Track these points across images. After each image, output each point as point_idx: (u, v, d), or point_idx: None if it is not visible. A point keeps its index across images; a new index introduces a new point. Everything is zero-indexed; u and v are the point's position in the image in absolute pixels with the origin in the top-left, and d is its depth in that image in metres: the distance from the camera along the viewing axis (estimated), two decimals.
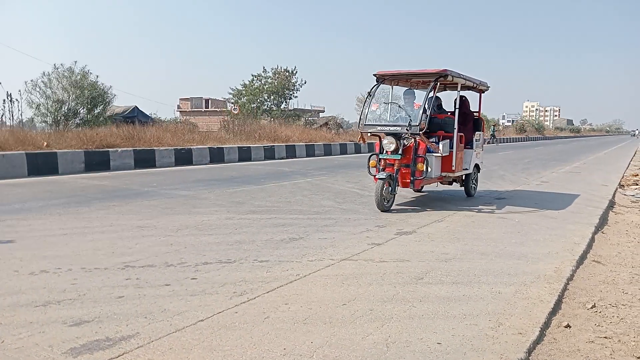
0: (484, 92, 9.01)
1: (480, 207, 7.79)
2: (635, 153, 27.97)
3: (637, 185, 12.09)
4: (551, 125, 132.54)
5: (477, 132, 8.71)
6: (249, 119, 27.08)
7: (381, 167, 7.34)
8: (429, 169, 7.43)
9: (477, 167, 8.94)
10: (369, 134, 7.67)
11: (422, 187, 8.67)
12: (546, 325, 3.26)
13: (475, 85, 8.50)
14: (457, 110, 7.72)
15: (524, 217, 6.99)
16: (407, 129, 7.02)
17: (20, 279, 3.83)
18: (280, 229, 5.82)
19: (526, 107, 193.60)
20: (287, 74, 35.97)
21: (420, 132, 6.97)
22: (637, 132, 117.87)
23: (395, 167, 7.20)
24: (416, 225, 6.26)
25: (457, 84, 7.90)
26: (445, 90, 9.10)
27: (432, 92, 7.72)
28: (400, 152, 7.20)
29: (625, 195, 10.34)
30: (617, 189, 10.95)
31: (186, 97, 57.55)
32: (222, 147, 16.65)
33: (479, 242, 5.43)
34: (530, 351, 2.85)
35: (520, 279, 4.14)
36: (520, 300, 3.64)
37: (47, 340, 2.75)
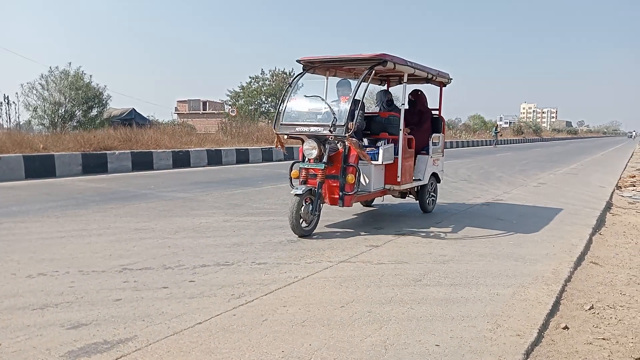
0: (445, 85, 7.54)
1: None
2: (632, 154, 28.05)
3: (634, 186, 12.13)
4: (548, 126, 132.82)
5: (435, 135, 7.29)
6: (246, 121, 27.07)
7: (302, 179, 5.79)
8: (367, 181, 6.14)
9: (435, 176, 7.47)
10: (285, 137, 6.05)
11: (372, 201, 7.73)
12: (544, 326, 3.26)
13: (431, 76, 7.02)
14: (403, 107, 6.28)
15: (521, 220, 7.00)
16: (330, 130, 5.49)
17: (17, 282, 3.82)
18: (278, 231, 5.82)
19: (523, 108, 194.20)
20: (285, 75, 36.02)
21: (347, 134, 5.39)
22: (634, 133, 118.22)
23: (319, 180, 5.64)
24: (414, 226, 6.27)
25: (402, 73, 6.44)
26: (401, 83, 7.47)
27: (368, 83, 6.00)
28: (325, 159, 5.67)
29: (622, 196, 10.37)
30: (614, 190, 10.97)
31: (184, 100, 57.56)
32: (220, 150, 16.63)
33: (476, 243, 5.44)
34: (528, 353, 2.86)
35: (518, 280, 4.15)
36: (518, 301, 3.64)
37: (44, 343, 2.74)
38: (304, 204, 5.50)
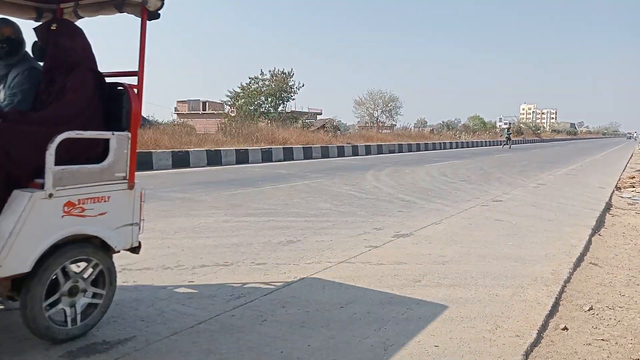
0: (155, 16, 3.10)
1: None
2: (632, 155, 28.07)
3: (634, 187, 12.14)
4: (548, 127, 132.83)
5: (93, 134, 2.92)
6: (246, 121, 27.04)
7: None
8: None
9: (94, 249, 2.84)
10: None
11: None
12: (543, 327, 3.26)
13: None
14: None
15: (521, 221, 7.00)
16: None
17: None
18: (277, 231, 5.82)
19: (523, 109, 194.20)
20: (285, 76, 35.97)
21: None
22: (634, 134, 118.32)
23: None
24: (413, 227, 6.27)
25: None
26: (80, 17, 3.42)
27: None
28: None
29: (622, 197, 10.38)
30: (613, 191, 10.98)
31: (183, 100, 57.63)
32: (220, 150, 16.63)
33: (476, 244, 5.44)
34: (527, 354, 2.86)
35: (517, 281, 4.15)
36: (517, 302, 3.64)
37: (44, 343, 2.74)
38: None
